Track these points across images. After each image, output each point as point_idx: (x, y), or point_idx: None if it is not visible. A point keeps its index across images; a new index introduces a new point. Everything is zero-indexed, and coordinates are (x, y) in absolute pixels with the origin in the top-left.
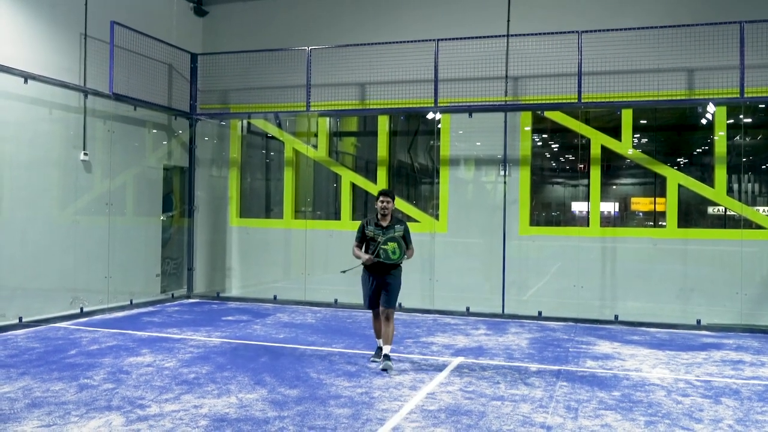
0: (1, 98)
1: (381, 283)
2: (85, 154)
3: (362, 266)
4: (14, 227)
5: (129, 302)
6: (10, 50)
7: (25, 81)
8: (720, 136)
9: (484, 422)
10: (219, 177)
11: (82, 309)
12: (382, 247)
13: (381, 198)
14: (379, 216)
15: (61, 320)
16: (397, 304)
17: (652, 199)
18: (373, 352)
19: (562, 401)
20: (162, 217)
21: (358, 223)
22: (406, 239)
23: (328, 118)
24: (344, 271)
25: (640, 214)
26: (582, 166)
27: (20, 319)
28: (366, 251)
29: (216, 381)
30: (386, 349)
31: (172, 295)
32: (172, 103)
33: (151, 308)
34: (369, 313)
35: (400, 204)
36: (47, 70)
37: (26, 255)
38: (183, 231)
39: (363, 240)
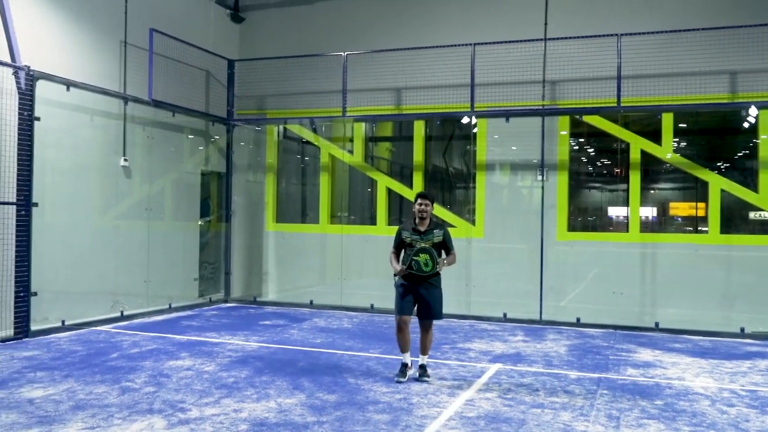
0: (45, 105)
1: (418, 293)
2: (125, 159)
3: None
4: (57, 232)
5: (168, 306)
6: (53, 58)
7: (68, 88)
8: (763, 139)
9: (524, 430)
10: (255, 182)
11: (122, 312)
12: (414, 258)
13: (419, 201)
14: (416, 220)
15: (102, 323)
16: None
17: (693, 204)
18: (397, 371)
19: (603, 410)
20: (200, 222)
21: (395, 228)
22: (446, 244)
23: (363, 123)
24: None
25: (680, 219)
26: (619, 170)
27: (63, 322)
28: (403, 259)
29: (255, 385)
30: (423, 359)
31: (210, 299)
32: (209, 109)
33: (189, 312)
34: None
35: (436, 209)
36: (88, 77)
37: (68, 259)
38: (220, 236)
39: (401, 246)
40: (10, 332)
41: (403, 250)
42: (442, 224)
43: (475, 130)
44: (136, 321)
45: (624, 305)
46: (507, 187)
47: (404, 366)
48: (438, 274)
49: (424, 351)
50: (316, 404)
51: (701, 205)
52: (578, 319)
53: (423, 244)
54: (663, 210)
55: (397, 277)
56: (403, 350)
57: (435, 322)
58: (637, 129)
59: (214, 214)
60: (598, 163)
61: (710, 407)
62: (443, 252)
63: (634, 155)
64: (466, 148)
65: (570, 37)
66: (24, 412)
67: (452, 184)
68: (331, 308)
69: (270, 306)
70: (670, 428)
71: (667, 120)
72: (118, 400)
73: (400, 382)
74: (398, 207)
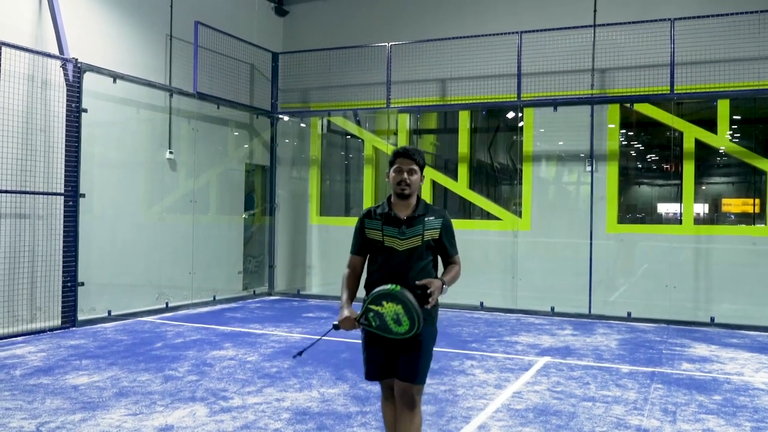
0: (92, 98)
1: (396, 342)
2: (171, 152)
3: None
4: (104, 224)
5: (212, 298)
6: (100, 51)
7: (114, 81)
8: None
9: (575, 423)
10: (299, 176)
11: (167, 304)
12: (371, 307)
13: (399, 160)
14: (392, 199)
15: (147, 314)
16: (426, 378)
17: (750, 195)
18: None
19: (658, 404)
20: (244, 216)
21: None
22: (445, 245)
23: (408, 115)
24: (298, 355)
25: (733, 214)
26: (672, 161)
27: (109, 312)
28: (374, 268)
29: (297, 375)
30: None
31: (254, 292)
32: (253, 102)
33: (233, 304)
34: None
35: (481, 201)
36: (135, 70)
37: (115, 251)
38: (264, 229)
39: (366, 249)
40: (58, 322)
41: (369, 258)
42: (439, 208)
43: (521, 122)
44: (180, 312)
45: (677, 300)
46: (554, 178)
47: None
48: (432, 310)
49: None
50: (359, 394)
51: (750, 199)
52: (629, 314)
53: (403, 245)
54: (719, 201)
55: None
56: None
57: (479, 314)
58: (691, 118)
59: (258, 208)
60: (650, 154)
61: None
62: (438, 259)
63: (688, 145)
64: (513, 140)
65: (620, 23)
66: (69, 398)
67: (498, 176)
68: None
69: (313, 299)
70: (731, 423)
71: (723, 107)
72: (161, 387)
73: None
74: (442, 200)
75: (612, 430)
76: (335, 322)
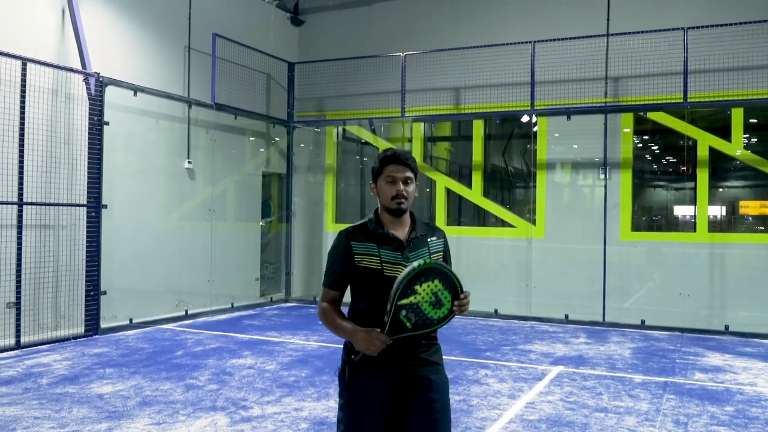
0: (114, 110)
1: (405, 392)
2: (189, 162)
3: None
4: (124, 232)
5: (230, 305)
6: (121, 65)
7: (135, 93)
8: None
9: None
10: (315, 183)
11: (186, 311)
12: (403, 303)
13: (391, 167)
14: (385, 215)
15: (167, 322)
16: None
17: (765, 202)
18: None
19: (670, 415)
20: (261, 223)
21: (455, 228)
22: (445, 262)
23: (422, 123)
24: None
25: (750, 218)
26: (686, 168)
27: (130, 320)
28: (363, 306)
29: (315, 384)
30: None
31: (271, 298)
32: (270, 112)
33: (251, 311)
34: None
35: (495, 208)
36: (154, 82)
37: (136, 259)
38: (281, 236)
39: (346, 279)
40: (81, 329)
41: (353, 292)
42: (434, 226)
43: (535, 129)
44: (199, 320)
45: (691, 307)
46: (568, 186)
47: None
48: (436, 344)
49: None
50: None
51: (765, 206)
52: (643, 321)
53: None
54: (732, 209)
55: (355, 357)
56: None
57: (492, 321)
58: (704, 125)
59: (275, 215)
60: (664, 161)
61: None
62: None
63: (702, 152)
64: (526, 147)
65: (633, 32)
66: (95, 407)
67: (512, 183)
68: None
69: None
70: None
71: (737, 115)
72: (183, 397)
73: None
74: (457, 207)
75: None
76: (354, 357)
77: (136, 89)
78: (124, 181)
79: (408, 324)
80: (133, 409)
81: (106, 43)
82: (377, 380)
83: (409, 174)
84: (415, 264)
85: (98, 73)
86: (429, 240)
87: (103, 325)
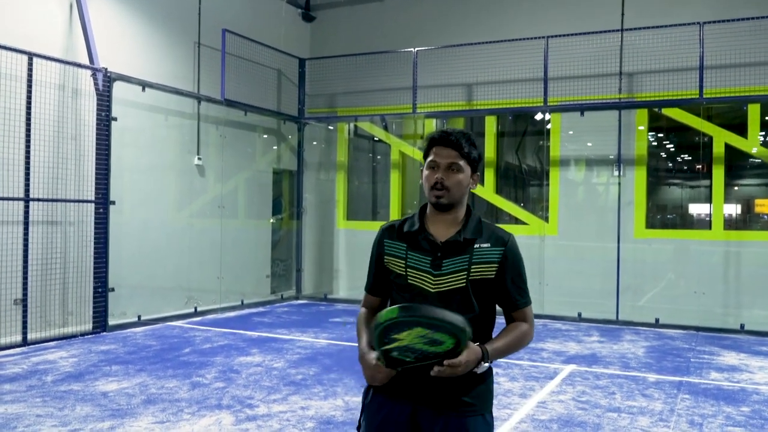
0: (122, 105)
1: None
2: (199, 158)
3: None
4: (134, 229)
5: (240, 302)
6: (129, 60)
7: (143, 89)
8: None
9: None
10: (326, 180)
11: (195, 308)
12: (388, 348)
13: (433, 152)
14: (427, 211)
15: (176, 319)
16: None
17: None
18: None
19: (685, 415)
20: (271, 220)
21: None
22: (508, 287)
23: (434, 120)
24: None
25: (766, 216)
26: (702, 165)
27: (139, 317)
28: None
29: (323, 383)
30: None
31: (281, 296)
32: (281, 108)
33: (261, 309)
34: None
35: (507, 206)
36: (163, 78)
37: (144, 255)
38: (291, 233)
39: (383, 282)
40: (89, 326)
41: (391, 297)
42: (499, 228)
43: (548, 126)
44: (208, 317)
45: (706, 306)
46: (582, 183)
47: None
48: (480, 377)
49: None
50: None
51: None
52: (657, 320)
53: (437, 284)
54: (748, 206)
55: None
56: None
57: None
58: (720, 122)
59: (286, 212)
60: (679, 158)
61: None
62: (491, 309)
63: (718, 149)
64: (540, 144)
65: (648, 27)
66: (98, 405)
67: (525, 180)
68: None
69: (340, 303)
70: None
71: (754, 111)
72: (188, 395)
73: None
74: (470, 203)
75: None
76: (369, 383)
77: (144, 85)
78: (134, 177)
79: (408, 359)
80: (137, 407)
81: (114, 39)
82: (391, 409)
83: (458, 161)
84: (381, 312)
85: (106, 69)
86: (477, 246)
87: (111, 322)
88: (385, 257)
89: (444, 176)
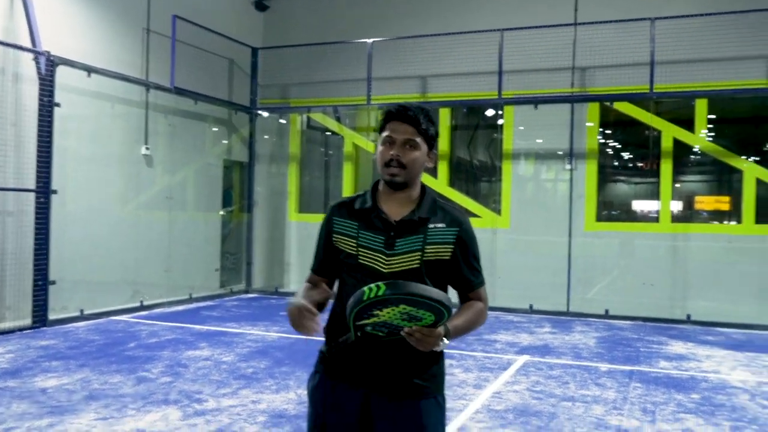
0: (66, 91)
1: (379, 417)
2: (147, 148)
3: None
4: (77, 220)
5: (188, 296)
6: (74, 44)
7: (89, 74)
8: None
9: (555, 424)
10: (278, 172)
11: (142, 302)
12: (363, 323)
13: (389, 127)
14: (379, 187)
15: (121, 313)
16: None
17: (725, 193)
18: None
19: (638, 403)
20: (221, 212)
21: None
22: (461, 267)
23: None
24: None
25: (705, 213)
26: (650, 159)
27: (81, 311)
28: (340, 308)
29: (274, 376)
30: None
31: (231, 289)
32: (232, 98)
33: (209, 303)
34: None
35: (460, 199)
36: (110, 64)
37: (88, 248)
38: (242, 226)
39: (331, 263)
40: (28, 321)
41: (340, 278)
42: (453, 208)
43: (501, 121)
44: (155, 311)
45: (654, 297)
46: (533, 177)
47: None
48: (435, 357)
49: None
50: None
51: (735, 195)
52: (607, 311)
53: (390, 265)
54: (694, 199)
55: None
56: None
57: None
58: (669, 117)
59: (236, 205)
60: (629, 152)
61: (750, 401)
62: (449, 289)
63: (667, 144)
64: (493, 137)
65: (601, 22)
66: (36, 401)
67: (477, 174)
68: None
69: (292, 296)
70: (710, 423)
71: (701, 107)
72: (133, 390)
73: None
74: None
75: (593, 431)
76: (340, 340)
77: (89, 70)
78: (77, 166)
79: (381, 334)
80: (79, 403)
81: (58, 21)
82: (342, 395)
83: (414, 137)
84: (366, 289)
85: (48, 52)
86: (431, 226)
87: (52, 316)
88: (334, 236)
89: (400, 153)
